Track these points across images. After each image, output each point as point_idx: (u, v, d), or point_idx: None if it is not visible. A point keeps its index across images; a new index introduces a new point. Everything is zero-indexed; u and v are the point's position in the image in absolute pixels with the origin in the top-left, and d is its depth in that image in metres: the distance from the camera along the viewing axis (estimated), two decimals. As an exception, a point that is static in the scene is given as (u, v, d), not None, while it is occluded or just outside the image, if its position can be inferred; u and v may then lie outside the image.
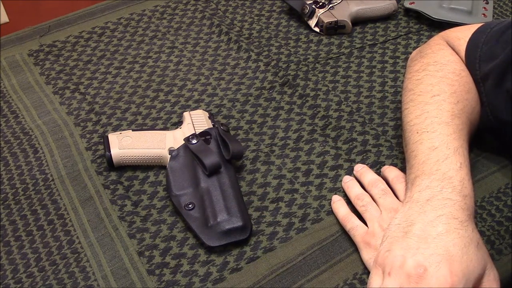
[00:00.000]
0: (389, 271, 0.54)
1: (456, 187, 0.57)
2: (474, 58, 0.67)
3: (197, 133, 0.72)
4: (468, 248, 0.53)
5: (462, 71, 0.68)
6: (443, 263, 0.52)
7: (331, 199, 0.68)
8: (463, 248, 0.53)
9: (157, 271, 0.62)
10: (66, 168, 0.74)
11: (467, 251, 0.53)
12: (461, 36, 0.70)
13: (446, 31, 0.74)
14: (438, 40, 0.73)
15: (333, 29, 0.93)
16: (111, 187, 0.71)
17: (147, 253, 0.64)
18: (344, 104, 0.81)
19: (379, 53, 0.90)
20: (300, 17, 0.97)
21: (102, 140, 0.76)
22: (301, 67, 0.88)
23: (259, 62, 0.89)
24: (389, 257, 0.55)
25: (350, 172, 0.72)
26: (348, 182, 0.69)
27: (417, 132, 0.64)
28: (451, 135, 0.61)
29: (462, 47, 0.69)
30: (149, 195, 0.70)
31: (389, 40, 0.93)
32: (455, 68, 0.68)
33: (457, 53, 0.70)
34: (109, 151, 0.71)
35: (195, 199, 0.66)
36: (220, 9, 1.00)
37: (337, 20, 0.92)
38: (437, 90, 0.66)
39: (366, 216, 0.64)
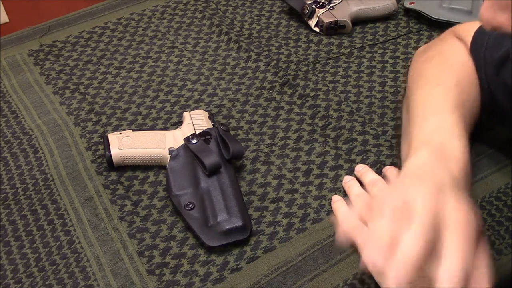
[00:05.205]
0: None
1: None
2: (481, 45, 0.67)
3: (197, 133, 0.72)
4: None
5: (467, 63, 0.68)
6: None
7: (331, 199, 0.68)
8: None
9: (157, 271, 0.62)
10: (66, 168, 0.74)
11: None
12: (469, 28, 0.70)
13: (456, 26, 0.74)
14: (447, 34, 0.74)
15: (333, 29, 0.93)
16: (111, 187, 0.71)
17: (147, 253, 0.64)
18: (344, 104, 0.81)
19: (379, 53, 0.90)
20: (300, 17, 0.97)
21: (102, 140, 0.76)
22: (301, 67, 0.88)
23: (259, 62, 0.89)
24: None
25: (350, 172, 0.72)
26: (348, 182, 0.69)
27: (418, 118, 0.63)
28: (453, 123, 0.61)
29: (469, 38, 0.69)
30: (149, 195, 0.70)
31: (389, 40, 0.93)
32: (460, 59, 0.68)
33: (465, 45, 0.70)
34: (109, 151, 0.71)
35: (195, 199, 0.66)
36: (220, 9, 1.00)
37: (337, 20, 0.92)
38: (441, 80, 0.66)
39: (367, 216, 0.64)
